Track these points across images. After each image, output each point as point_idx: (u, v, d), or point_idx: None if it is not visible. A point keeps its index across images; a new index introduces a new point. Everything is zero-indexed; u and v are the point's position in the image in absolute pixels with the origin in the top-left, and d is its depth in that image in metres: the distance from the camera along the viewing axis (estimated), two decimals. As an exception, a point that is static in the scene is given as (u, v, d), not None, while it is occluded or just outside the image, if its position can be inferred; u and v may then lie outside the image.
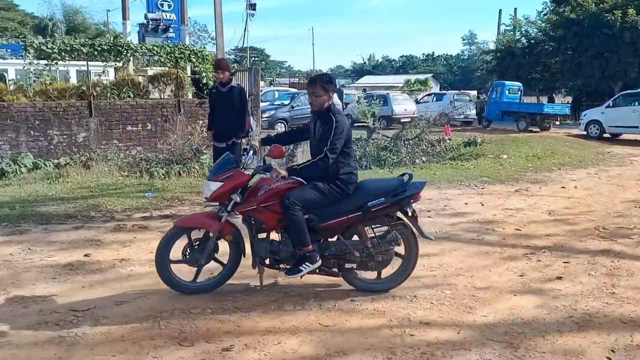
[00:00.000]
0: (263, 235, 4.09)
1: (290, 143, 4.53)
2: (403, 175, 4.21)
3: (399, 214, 4.14)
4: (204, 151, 10.95)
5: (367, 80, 55.04)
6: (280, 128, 19.56)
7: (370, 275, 4.24)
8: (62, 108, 12.22)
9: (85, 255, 5.18)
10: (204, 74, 15.56)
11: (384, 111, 21.31)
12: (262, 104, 17.99)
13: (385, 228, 4.15)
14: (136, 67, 16.58)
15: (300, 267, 3.95)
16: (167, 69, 14.93)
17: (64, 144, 12.15)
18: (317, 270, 4.03)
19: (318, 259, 3.96)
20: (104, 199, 7.74)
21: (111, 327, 3.62)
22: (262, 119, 17.91)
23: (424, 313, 3.87)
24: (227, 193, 3.97)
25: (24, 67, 13.75)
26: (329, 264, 4.06)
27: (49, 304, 4.02)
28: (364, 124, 16.46)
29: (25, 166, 10.79)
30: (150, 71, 15.91)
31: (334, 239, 4.11)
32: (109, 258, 5.12)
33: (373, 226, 4.13)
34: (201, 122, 12.96)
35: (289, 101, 22.40)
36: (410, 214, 4.07)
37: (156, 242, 4.49)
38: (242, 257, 4.14)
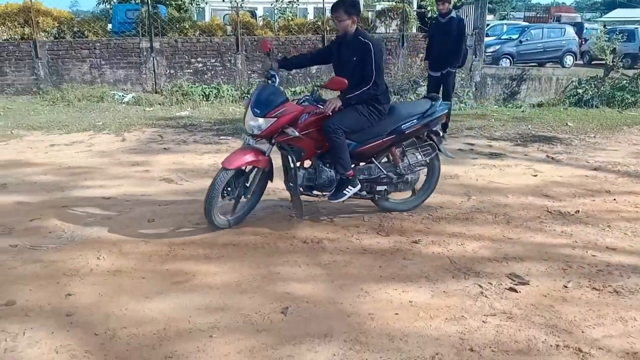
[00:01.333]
0: (297, 163, 4.05)
1: (298, 67, 4.60)
2: (429, 97, 4.51)
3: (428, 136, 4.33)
4: (421, 83, 11.39)
5: (617, 14, 47.80)
6: (505, 63, 18.76)
7: (394, 195, 4.53)
8: (300, 41, 13.74)
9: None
10: (429, 8, 15.70)
11: (630, 48, 18.75)
12: (487, 39, 17.45)
13: (415, 149, 4.35)
14: (366, 2, 17.46)
15: (344, 192, 4.04)
16: (393, 3, 15.45)
17: (300, 74, 13.74)
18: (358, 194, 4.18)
19: (358, 182, 4.07)
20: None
21: (327, 215, 4.49)
22: (486, 54, 17.41)
23: (613, 240, 3.91)
24: (279, 128, 3.85)
25: (271, 5, 15.67)
26: (362, 188, 4.17)
27: (286, 192, 5.09)
28: (602, 61, 14.88)
29: (269, 92, 12.60)
30: (379, 6, 16.64)
31: (367, 163, 4.22)
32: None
33: (405, 148, 4.31)
34: (422, 55, 13.31)
35: (517, 35, 21.15)
36: (438, 134, 4.37)
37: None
38: (270, 183, 4.21)
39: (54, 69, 12.15)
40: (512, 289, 3.18)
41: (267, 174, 4.12)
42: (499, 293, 3.14)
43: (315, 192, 4.17)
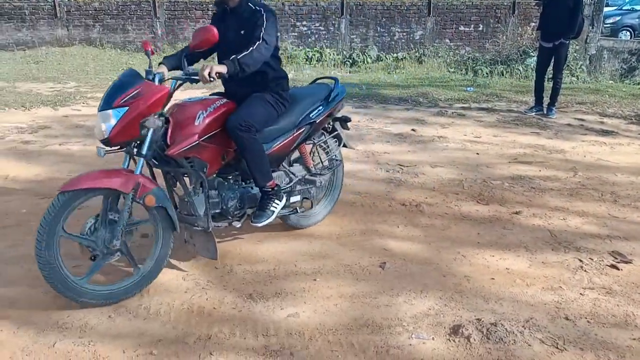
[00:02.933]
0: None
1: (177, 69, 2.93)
2: (319, 79, 3.64)
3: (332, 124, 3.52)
4: (531, 53, 10.90)
5: None
6: (625, 36, 17.30)
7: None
8: (405, 7, 13.53)
9: (412, 130, 6.28)
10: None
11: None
12: (607, 9, 16.16)
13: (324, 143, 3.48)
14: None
15: (271, 209, 3.05)
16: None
17: (403, 40, 13.58)
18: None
19: (282, 194, 3.15)
20: (431, 89, 8.81)
21: (426, 180, 4.59)
22: (604, 25, 16.15)
23: None
24: (136, 123, 2.57)
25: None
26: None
27: (383, 157, 5.23)
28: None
29: (370, 57, 12.65)
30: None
31: (273, 170, 3.16)
32: (430, 134, 6.10)
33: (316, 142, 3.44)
34: (533, 24, 12.66)
35: (642, 6, 19.32)
36: (348, 120, 3.57)
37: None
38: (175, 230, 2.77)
39: (170, 28, 12.93)
40: (613, 266, 3.14)
41: (165, 214, 2.71)
42: (599, 269, 3.12)
43: (225, 220, 3.07)
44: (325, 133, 3.51)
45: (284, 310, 2.64)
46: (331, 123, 3.51)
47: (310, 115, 3.26)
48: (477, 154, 5.36)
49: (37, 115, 6.59)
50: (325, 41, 13.17)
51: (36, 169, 4.64)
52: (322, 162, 3.50)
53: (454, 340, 2.42)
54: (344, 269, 3.09)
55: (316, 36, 13.20)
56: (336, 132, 3.51)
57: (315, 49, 12.62)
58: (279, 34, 3.36)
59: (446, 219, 3.81)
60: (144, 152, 2.64)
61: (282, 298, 2.75)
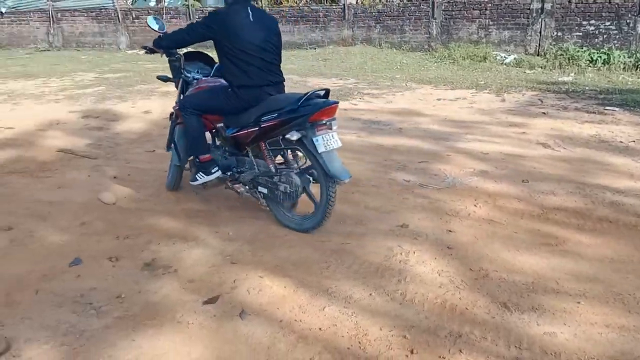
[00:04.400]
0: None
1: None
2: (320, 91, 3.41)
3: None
4: None
5: None
6: None
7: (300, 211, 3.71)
8: None
9: None
10: None
11: None
12: None
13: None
14: None
15: (197, 176, 3.79)
16: None
17: None
18: (231, 186, 3.86)
19: (213, 171, 3.73)
20: None
21: None
22: None
23: None
24: None
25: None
26: (244, 183, 3.75)
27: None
28: None
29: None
30: None
31: (244, 155, 3.76)
32: None
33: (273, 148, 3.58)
34: None
35: None
36: (305, 139, 3.28)
37: None
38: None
39: (445, 28, 13.14)
40: None
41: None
42: None
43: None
44: (282, 141, 3.49)
45: (541, 327, 2.52)
46: (296, 135, 3.34)
47: (261, 118, 3.44)
48: None
49: (322, 107, 7.46)
50: (615, 42, 11.72)
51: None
52: (280, 168, 3.61)
53: None
54: (615, 297, 2.79)
55: (605, 36, 11.84)
56: (300, 148, 3.44)
57: (602, 50, 11.34)
58: (235, 32, 3.44)
59: None
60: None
61: (539, 314, 2.63)
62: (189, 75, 4.05)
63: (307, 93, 3.35)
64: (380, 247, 3.33)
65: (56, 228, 3.67)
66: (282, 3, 14.76)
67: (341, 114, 7.01)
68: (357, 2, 14.05)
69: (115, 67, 11.74)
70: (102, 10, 15.44)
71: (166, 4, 15.69)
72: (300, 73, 10.39)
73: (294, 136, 3.34)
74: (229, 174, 3.82)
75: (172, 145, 4.14)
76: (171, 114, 4.21)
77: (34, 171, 4.83)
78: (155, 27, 4.06)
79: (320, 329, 2.53)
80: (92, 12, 15.56)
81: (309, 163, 3.51)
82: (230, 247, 3.37)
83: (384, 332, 2.49)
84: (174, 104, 4.21)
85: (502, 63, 11.16)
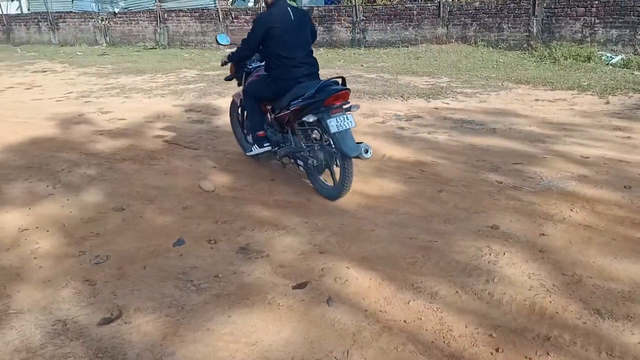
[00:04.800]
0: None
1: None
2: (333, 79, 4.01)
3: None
4: None
5: None
6: None
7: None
8: None
9: None
10: None
11: None
12: None
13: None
14: None
15: (252, 148, 4.61)
16: None
17: None
18: (279, 159, 4.60)
19: (265, 145, 4.48)
20: None
21: None
22: None
23: None
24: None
25: None
26: (289, 155, 4.42)
27: None
28: None
29: None
30: None
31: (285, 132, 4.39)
32: None
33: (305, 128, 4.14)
34: None
35: None
36: (322, 120, 3.85)
37: None
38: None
39: (546, 26, 12.54)
40: None
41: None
42: None
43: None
44: (307, 122, 4.00)
45: (635, 336, 2.42)
46: (313, 118, 3.91)
47: (291, 103, 4.09)
48: None
49: (412, 106, 7.44)
50: None
51: (406, 152, 5.30)
52: (307, 144, 4.18)
53: None
54: None
55: None
56: (318, 128, 4.04)
57: None
58: (279, 31, 4.11)
59: None
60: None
61: (634, 323, 2.52)
62: (249, 66, 4.74)
63: (323, 81, 3.97)
64: (469, 246, 3.31)
65: (162, 210, 3.99)
66: (375, 1, 14.78)
67: (432, 112, 6.98)
68: (452, 0, 13.77)
69: (215, 64, 12.34)
70: (205, 10, 16.25)
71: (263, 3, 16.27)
72: (391, 71, 10.39)
73: (310, 118, 3.92)
74: (277, 148, 4.50)
75: (239, 123, 5.17)
76: (232, 102, 5.19)
77: (143, 159, 5.25)
78: (225, 42, 4.97)
79: (405, 321, 2.58)
80: (195, 12, 16.43)
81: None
82: (319, 237, 3.50)
83: (469, 330, 2.50)
84: (234, 94, 5.14)
85: (607, 63, 10.48)
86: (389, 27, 14.29)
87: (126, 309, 2.73)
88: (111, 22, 17.61)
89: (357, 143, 3.82)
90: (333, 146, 3.90)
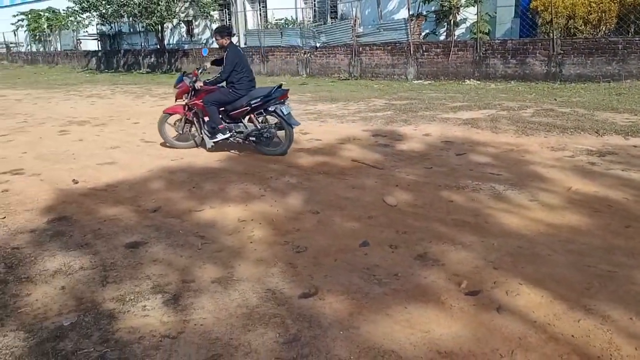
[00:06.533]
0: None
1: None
2: (280, 85, 6.98)
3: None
4: None
5: None
6: None
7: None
8: None
9: None
10: None
11: None
12: None
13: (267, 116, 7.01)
14: None
15: (216, 135, 7.05)
16: None
17: None
18: (235, 140, 7.11)
19: (227, 133, 7.04)
20: None
21: None
22: None
23: None
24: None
25: None
26: (242, 137, 7.04)
27: None
28: None
29: None
30: None
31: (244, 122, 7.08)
32: None
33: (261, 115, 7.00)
34: None
35: None
36: (277, 109, 6.73)
37: None
38: None
39: None
40: None
41: None
42: None
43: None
44: (264, 112, 6.92)
45: None
46: (273, 108, 6.79)
47: (251, 102, 6.81)
48: None
49: (607, 142, 7.07)
50: None
51: (595, 187, 5.15)
52: (263, 125, 7.00)
53: None
54: None
55: None
56: (273, 113, 6.83)
57: None
58: (240, 59, 6.87)
59: None
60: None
61: None
62: (197, 87, 7.11)
63: (273, 87, 6.88)
64: (653, 281, 3.23)
65: (350, 217, 4.54)
66: (575, 35, 14.09)
67: (629, 150, 6.61)
68: (667, 33, 12.54)
69: (402, 95, 12.97)
70: (397, 44, 17.12)
71: (455, 37, 16.55)
72: (587, 107, 9.88)
73: (271, 107, 6.74)
74: (234, 133, 7.00)
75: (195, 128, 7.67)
76: (184, 107, 7.35)
77: (335, 174, 5.93)
78: (205, 54, 8.79)
79: (572, 335, 2.69)
80: (388, 46, 17.38)
81: (276, 121, 6.89)
82: (494, 255, 3.70)
83: (639, 352, 2.52)
84: (182, 102, 7.43)
85: None
86: (589, 62, 13.54)
87: (320, 289, 3.27)
88: (312, 55, 19.45)
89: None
90: (282, 122, 6.74)
